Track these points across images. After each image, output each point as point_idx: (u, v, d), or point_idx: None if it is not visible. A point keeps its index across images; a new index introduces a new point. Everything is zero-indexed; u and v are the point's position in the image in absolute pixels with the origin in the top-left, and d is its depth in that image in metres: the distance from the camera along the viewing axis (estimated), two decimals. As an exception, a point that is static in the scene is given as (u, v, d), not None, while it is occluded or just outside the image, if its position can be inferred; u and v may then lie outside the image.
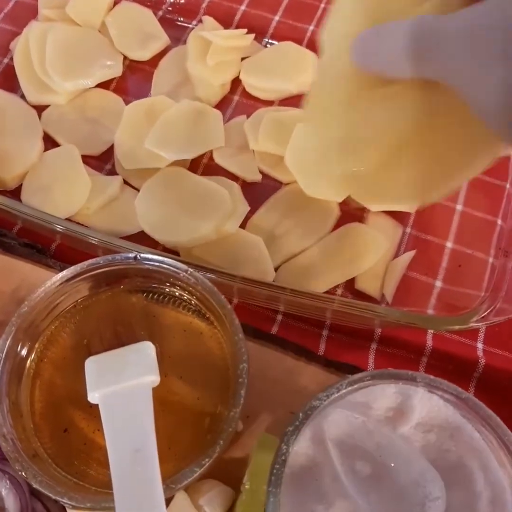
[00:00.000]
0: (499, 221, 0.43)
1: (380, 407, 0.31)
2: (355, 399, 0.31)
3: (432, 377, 0.30)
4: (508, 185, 0.43)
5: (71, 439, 0.32)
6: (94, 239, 0.38)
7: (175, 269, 0.33)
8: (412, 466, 0.30)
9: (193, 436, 0.32)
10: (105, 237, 0.38)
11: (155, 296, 0.36)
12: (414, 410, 0.30)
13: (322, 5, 0.56)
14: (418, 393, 0.31)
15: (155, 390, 0.31)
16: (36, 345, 0.34)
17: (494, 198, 0.45)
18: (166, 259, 0.33)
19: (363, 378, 0.30)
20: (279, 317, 0.42)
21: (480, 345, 0.41)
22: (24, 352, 0.33)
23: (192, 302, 0.35)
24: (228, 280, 0.36)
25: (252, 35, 0.53)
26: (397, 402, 0.31)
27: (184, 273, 0.33)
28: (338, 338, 0.41)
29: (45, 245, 0.43)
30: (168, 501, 0.30)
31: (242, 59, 0.53)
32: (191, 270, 0.33)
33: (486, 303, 0.35)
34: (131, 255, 0.33)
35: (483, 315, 0.34)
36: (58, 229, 0.38)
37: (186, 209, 0.42)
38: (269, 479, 0.27)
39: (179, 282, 0.34)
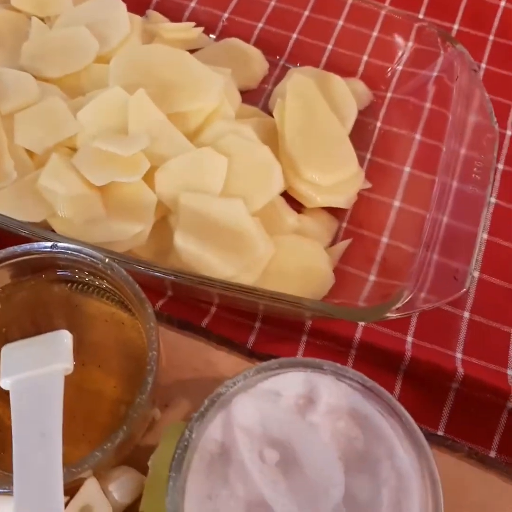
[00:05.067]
0: (428, 215, 0.43)
1: (289, 395, 0.31)
2: (265, 387, 0.31)
3: (338, 365, 0.31)
4: (437, 178, 0.44)
5: (-14, 426, 0.32)
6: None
7: (92, 259, 0.33)
8: (317, 454, 0.30)
9: (108, 423, 0.32)
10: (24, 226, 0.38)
11: (80, 286, 0.36)
12: (321, 398, 0.31)
13: (273, 3, 0.57)
14: (326, 380, 0.31)
15: (73, 378, 0.31)
16: (-46, 335, 0.34)
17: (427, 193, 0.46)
18: (84, 249, 0.33)
19: (270, 365, 0.31)
20: (213, 310, 0.42)
21: (410, 339, 0.42)
22: None
23: (116, 293, 0.35)
24: (151, 270, 0.36)
25: (200, 29, 0.54)
26: (306, 390, 0.31)
27: (102, 263, 0.33)
28: (270, 330, 0.42)
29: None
30: (77, 486, 0.31)
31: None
32: (108, 260, 0.33)
33: (403, 295, 0.36)
34: (48, 244, 0.33)
35: (399, 306, 0.35)
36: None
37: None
38: (170, 465, 0.28)
39: (100, 272, 0.34)
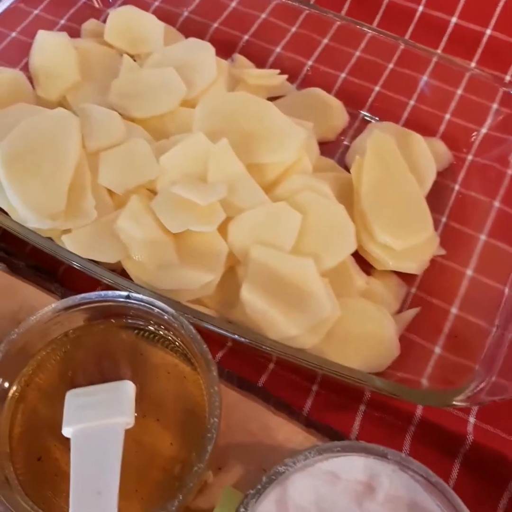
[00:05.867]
0: (507, 290, 0.42)
1: (348, 479, 0.30)
2: (325, 468, 0.30)
3: (403, 455, 0.30)
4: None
5: (43, 468, 0.33)
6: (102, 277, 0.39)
7: (163, 313, 0.34)
8: (372, 545, 0.29)
9: (161, 481, 0.32)
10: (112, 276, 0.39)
11: (146, 334, 0.36)
12: (382, 487, 0.30)
13: (357, 53, 0.57)
14: (388, 469, 0.30)
15: (132, 430, 0.32)
16: (25, 369, 0.35)
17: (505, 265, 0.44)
18: (155, 301, 0.34)
19: (332, 448, 0.30)
20: (271, 366, 0.42)
21: (472, 420, 0.40)
22: (11, 375, 0.34)
23: (180, 345, 0.35)
24: (216, 328, 0.36)
25: (284, 76, 0.54)
26: (366, 476, 0.30)
27: (171, 318, 0.33)
28: (327, 395, 0.41)
29: (53, 268, 0.44)
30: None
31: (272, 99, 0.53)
32: (179, 315, 0.33)
33: (475, 381, 0.34)
34: (124, 293, 0.34)
35: (469, 395, 0.33)
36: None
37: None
38: (223, 540, 0.27)
39: (168, 326, 0.35)
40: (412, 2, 0.60)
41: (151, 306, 0.34)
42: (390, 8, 0.60)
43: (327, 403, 0.40)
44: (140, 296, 0.34)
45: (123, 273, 0.41)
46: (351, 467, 0.30)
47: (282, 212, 0.42)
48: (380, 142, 0.46)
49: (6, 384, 0.34)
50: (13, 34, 0.59)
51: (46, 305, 0.36)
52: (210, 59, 0.51)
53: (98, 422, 0.31)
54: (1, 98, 0.50)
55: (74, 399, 0.32)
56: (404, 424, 0.40)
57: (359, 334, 0.40)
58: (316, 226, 0.42)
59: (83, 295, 0.34)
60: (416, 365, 0.40)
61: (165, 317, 0.33)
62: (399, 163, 0.46)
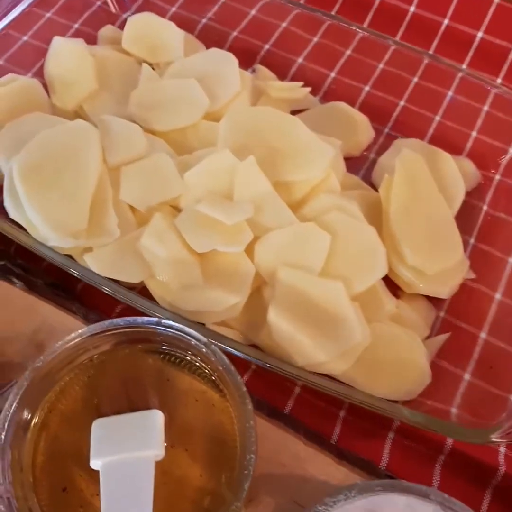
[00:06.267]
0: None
1: (388, 518, 0.29)
2: (363, 506, 0.29)
3: (446, 496, 0.29)
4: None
5: (68, 500, 0.31)
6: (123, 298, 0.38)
7: (195, 341, 0.32)
8: None
9: (191, 514, 0.31)
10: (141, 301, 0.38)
11: (172, 359, 0.35)
12: (423, 528, 0.29)
13: (381, 66, 0.55)
14: (430, 509, 0.29)
15: (160, 461, 0.31)
16: (48, 395, 0.33)
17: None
18: (186, 328, 0.32)
19: (373, 487, 0.29)
20: (297, 390, 0.41)
21: (502, 450, 0.39)
22: (34, 402, 0.33)
23: (208, 371, 0.34)
24: (242, 353, 0.35)
25: (307, 89, 0.53)
26: (407, 516, 0.29)
27: (203, 346, 0.32)
28: (355, 422, 0.40)
29: (71, 285, 0.43)
30: None
31: (294, 112, 0.52)
32: (210, 343, 0.32)
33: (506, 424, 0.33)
34: (154, 319, 0.33)
35: (508, 432, 0.32)
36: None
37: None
38: None
39: (199, 353, 0.33)
40: (437, 15, 0.59)
41: (182, 334, 0.32)
42: (414, 20, 0.59)
43: (356, 430, 0.39)
44: (170, 322, 0.32)
45: (142, 291, 0.40)
46: (391, 505, 0.29)
47: (310, 233, 0.41)
48: (409, 161, 0.45)
49: (30, 413, 0.32)
50: (25, 38, 0.57)
51: (66, 325, 0.35)
52: (234, 71, 0.49)
53: (128, 454, 0.30)
54: (16, 106, 0.49)
55: (100, 430, 0.31)
56: (434, 453, 0.39)
57: (390, 360, 0.39)
58: (346, 248, 0.41)
59: (111, 320, 0.33)
60: (447, 394, 0.39)
61: (204, 350, 0.32)
62: (428, 182, 0.45)
